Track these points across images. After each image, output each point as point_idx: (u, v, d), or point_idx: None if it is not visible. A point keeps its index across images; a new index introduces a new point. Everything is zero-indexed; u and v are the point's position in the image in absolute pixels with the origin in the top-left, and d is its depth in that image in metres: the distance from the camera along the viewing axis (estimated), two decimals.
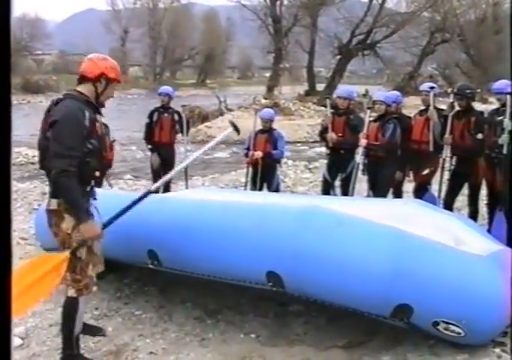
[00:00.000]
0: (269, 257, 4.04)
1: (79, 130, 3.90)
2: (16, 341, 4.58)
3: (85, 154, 3.93)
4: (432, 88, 7.55)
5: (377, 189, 7.48)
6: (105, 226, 4.13)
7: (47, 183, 10.96)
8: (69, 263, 3.94)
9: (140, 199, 4.28)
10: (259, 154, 8.11)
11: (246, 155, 8.47)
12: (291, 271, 3.96)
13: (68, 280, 4.04)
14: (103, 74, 4.12)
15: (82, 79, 4.16)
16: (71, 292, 4.04)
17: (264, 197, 5.96)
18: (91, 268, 4.09)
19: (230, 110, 28.45)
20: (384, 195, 7.32)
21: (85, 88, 4.12)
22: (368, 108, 7.75)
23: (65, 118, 3.88)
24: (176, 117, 9.12)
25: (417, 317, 3.79)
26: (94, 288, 4.17)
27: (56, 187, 3.98)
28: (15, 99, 44.03)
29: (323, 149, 9.29)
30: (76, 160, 3.84)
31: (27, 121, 30.34)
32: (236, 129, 4.62)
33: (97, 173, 4.13)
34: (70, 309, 4.08)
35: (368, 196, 7.80)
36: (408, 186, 8.38)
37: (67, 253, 3.93)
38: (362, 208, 4.66)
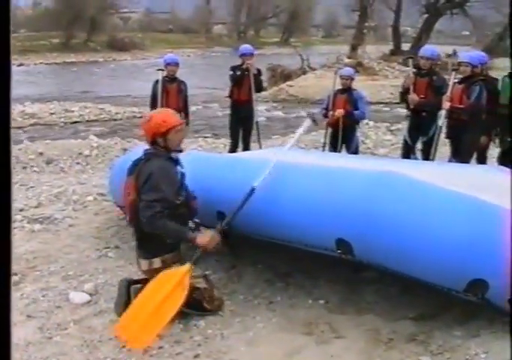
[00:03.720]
0: (339, 224, 3.91)
1: (173, 182, 4.17)
2: (84, 297, 4.66)
3: (177, 206, 4.17)
4: None
5: (461, 154, 7.19)
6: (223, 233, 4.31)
7: (128, 140, 11.14)
8: (191, 292, 4.10)
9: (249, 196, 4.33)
10: (341, 111, 7.93)
11: (325, 115, 8.30)
12: (362, 238, 3.82)
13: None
14: (155, 134, 4.25)
15: (151, 142, 4.34)
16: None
17: (339, 160, 5.79)
18: (215, 292, 4.43)
19: (313, 69, 28.00)
20: (467, 160, 7.03)
21: (158, 145, 4.30)
22: (454, 69, 7.41)
23: (161, 170, 4.13)
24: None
25: (493, 293, 3.61)
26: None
27: (157, 246, 4.24)
28: (101, 56, 45.08)
29: (405, 110, 9.03)
30: (167, 209, 4.05)
31: (112, 78, 30.95)
32: (315, 121, 4.68)
33: (190, 223, 4.35)
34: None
35: (450, 161, 7.53)
36: (493, 151, 8.04)
37: (187, 265, 4.09)
38: (440, 174, 4.44)
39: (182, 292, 3.97)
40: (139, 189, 4.17)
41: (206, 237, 4.11)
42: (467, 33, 41.53)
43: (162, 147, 4.27)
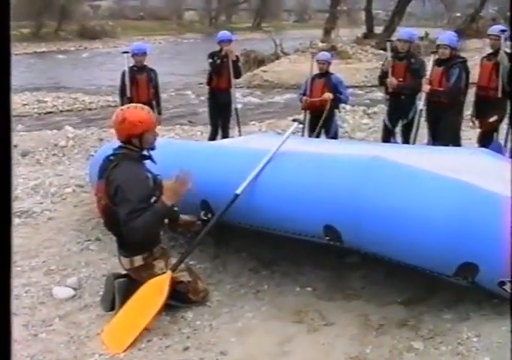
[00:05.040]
0: (327, 210, 3.87)
1: (144, 187, 4.02)
2: (68, 292, 4.59)
3: (152, 204, 4.03)
4: (503, 31, 7.14)
5: (441, 136, 7.19)
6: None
7: (104, 129, 10.99)
8: (174, 286, 4.13)
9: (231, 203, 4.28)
10: (330, 95, 7.87)
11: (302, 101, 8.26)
12: (350, 225, 3.78)
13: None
14: (130, 136, 4.13)
15: (124, 142, 4.21)
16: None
17: (323, 145, 5.74)
18: (200, 283, 4.36)
19: (287, 54, 27.91)
20: (446, 143, 7.03)
21: (131, 145, 4.18)
22: (432, 52, 7.38)
23: (128, 179, 3.99)
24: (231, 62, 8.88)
25: (483, 276, 3.59)
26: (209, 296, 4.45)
27: (137, 244, 4.12)
28: (72, 45, 44.40)
29: (381, 94, 9.07)
30: (143, 213, 3.93)
31: (84, 67, 30.57)
32: (301, 123, 4.75)
33: (165, 220, 4.34)
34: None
35: (428, 143, 7.55)
36: (471, 133, 8.08)
37: (168, 273, 4.10)
38: (426, 158, 4.42)
39: (160, 299, 3.99)
40: (110, 196, 4.07)
41: (168, 193, 4.07)
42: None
43: (136, 146, 4.17)
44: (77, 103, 17.30)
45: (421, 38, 28.79)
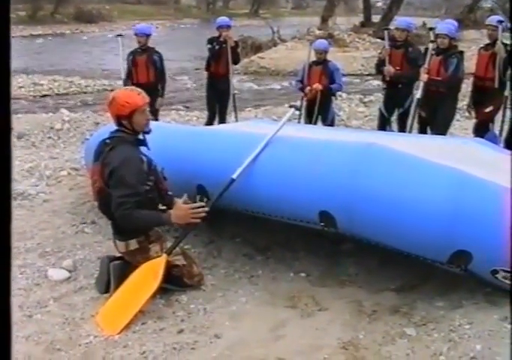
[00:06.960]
0: (322, 196, 3.88)
1: (138, 172, 4.03)
2: (63, 274, 4.60)
3: (146, 191, 4.07)
4: (500, 22, 7.14)
5: (437, 126, 7.19)
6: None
7: (100, 113, 10.93)
8: (169, 270, 4.16)
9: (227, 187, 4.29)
10: (318, 86, 7.87)
11: (301, 89, 8.24)
12: (345, 211, 3.80)
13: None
14: (119, 117, 4.13)
15: (117, 124, 4.23)
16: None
17: (320, 132, 5.75)
18: (195, 267, 4.37)
19: (284, 41, 27.82)
20: (443, 132, 7.05)
21: (123, 127, 4.19)
22: (431, 41, 7.37)
23: (123, 163, 3.98)
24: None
25: (476, 264, 3.62)
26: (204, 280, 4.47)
27: (130, 229, 4.14)
28: (68, 29, 44.09)
29: (379, 82, 9.06)
30: (137, 197, 3.96)
31: (80, 51, 30.40)
32: (298, 109, 4.75)
33: (160, 206, 4.34)
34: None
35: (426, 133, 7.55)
36: (467, 123, 8.09)
37: (164, 256, 4.13)
38: (421, 146, 4.43)
39: (155, 282, 4.00)
40: (105, 179, 4.08)
41: (179, 213, 4.08)
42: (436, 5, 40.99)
43: (128, 129, 4.17)
44: (73, 86, 17.24)
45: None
